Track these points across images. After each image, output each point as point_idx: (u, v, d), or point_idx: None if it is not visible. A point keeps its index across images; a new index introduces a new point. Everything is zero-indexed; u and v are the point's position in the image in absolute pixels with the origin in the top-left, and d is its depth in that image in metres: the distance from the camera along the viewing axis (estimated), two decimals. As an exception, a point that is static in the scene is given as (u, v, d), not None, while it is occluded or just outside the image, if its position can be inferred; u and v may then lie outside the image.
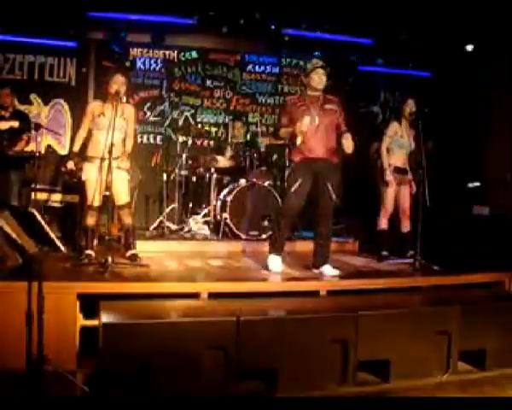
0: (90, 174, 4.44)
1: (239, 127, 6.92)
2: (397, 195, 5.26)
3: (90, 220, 4.52)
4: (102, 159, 4.34)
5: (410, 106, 5.18)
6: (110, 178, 4.13)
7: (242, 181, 6.12)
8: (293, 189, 4.24)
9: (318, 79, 4.27)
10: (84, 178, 4.49)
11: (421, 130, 4.99)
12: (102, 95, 4.56)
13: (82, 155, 4.57)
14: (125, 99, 4.63)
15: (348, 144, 4.17)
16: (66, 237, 5.49)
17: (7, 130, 5.32)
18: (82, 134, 4.56)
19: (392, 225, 5.34)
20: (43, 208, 5.54)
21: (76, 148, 4.59)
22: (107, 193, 4.50)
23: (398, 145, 5.21)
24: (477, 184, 6.43)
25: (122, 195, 4.54)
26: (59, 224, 5.63)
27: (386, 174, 5.16)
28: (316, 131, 4.25)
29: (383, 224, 5.27)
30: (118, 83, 4.45)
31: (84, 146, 4.56)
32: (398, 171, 5.23)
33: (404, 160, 5.27)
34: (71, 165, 4.57)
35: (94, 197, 4.40)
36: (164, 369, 2.96)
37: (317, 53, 6.94)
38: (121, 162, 4.48)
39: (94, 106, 4.54)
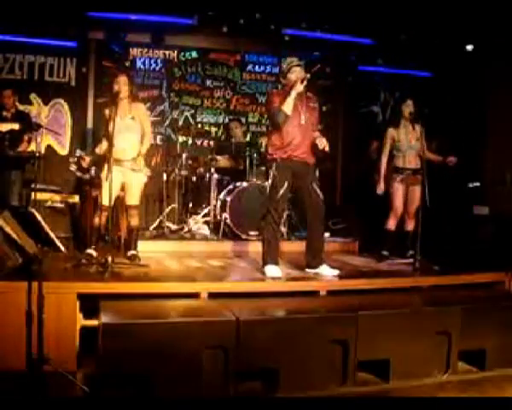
0: (110, 175, 4.46)
1: (235, 127, 6.89)
2: (407, 194, 5.24)
3: (99, 220, 4.55)
4: (117, 161, 4.36)
5: (410, 106, 5.17)
6: (111, 177, 4.15)
7: (242, 181, 6.12)
8: (279, 194, 4.18)
9: (295, 77, 4.20)
10: (103, 176, 4.52)
11: (421, 130, 5.00)
12: (111, 98, 4.58)
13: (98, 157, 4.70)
14: (126, 99, 4.60)
15: (322, 142, 4.18)
16: (67, 237, 5.49)
17: (8, 131, 5.31)
18: (104, 141, 4.61)
19: (396, 225, 5.33)
20: (43, 208, 5.53)
21: (98, 150, 4.69)
22: (122, 193, 4.56)
23: (398, 150, 5.20)
24: (477, 184, 6.42)
25: (134, 196, 4.60)
26: (59, 224, 5.62)
27: (380, 183, 5.21)
28: (300, 130, 4.23)
29: (391, 224, 5.25)
30: (118, 83, 4.47)
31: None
32: (407, 172, 5.20)
33: (411, 160, 5.18)
34: (86, 161, 4.76)
35: (109, 198, 4.40)
36: (164, 369, 2.96)
37: (316, 53, 6.96)
38: (135, 165, 4.51)
39: (108, 112, 4.55)
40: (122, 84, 4.47)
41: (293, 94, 4.13)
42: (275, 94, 4.37)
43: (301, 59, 4.46)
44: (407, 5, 5.95)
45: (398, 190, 5.19)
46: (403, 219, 5.31)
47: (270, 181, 4.29)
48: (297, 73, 4.21)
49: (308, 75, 4.17)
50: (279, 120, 4.17)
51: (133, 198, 4.60)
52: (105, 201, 4.38)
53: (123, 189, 4.63)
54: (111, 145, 4.21)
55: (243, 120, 7.42)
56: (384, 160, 5.26)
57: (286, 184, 4.20)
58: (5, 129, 5.24)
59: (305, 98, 4.31)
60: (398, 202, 5.21)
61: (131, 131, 4.50)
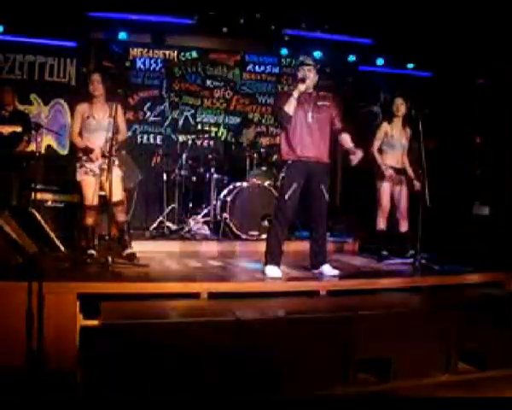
0: (85, 175, 4.48)
1: (252, 130, 6.95)
2: (392, 195, 5.27)
3: (89, 220, 4.54)
4: (97, 159, 4.42)
5: (397, 104, 5.20)
6: (110, 177, 4.17)
7: (242, 181, 6.12)
8: (287, 195, 4.17)
9: (301, 76, 4.20)
10: (78, 178, 4.52)
11: (420, 129, 5.00)
12: (88, 96, 4.59)
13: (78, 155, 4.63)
14: (103, 97, 4.59)
15: (355, 158, 4.20)
16: (67, 237, 5.49)
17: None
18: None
19: (391, 224, 5.34)
20: (43, 208, 5.53)
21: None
22: (103, 193, 4.54)
23: (389, 146, 5.23)
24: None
25: (116, 192, 4.55)
26: (59, 224, 5.62)
27: (384, 169, 5.17)
28: (309, 130, 4.21)
29: (381, 224, 5.27)
30: (92, 82, 4.50)
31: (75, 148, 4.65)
32: (395, 170, 5.22)
33: (398, 159, 5.25)
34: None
35: (91, 197, 4.40)
36: (164, 369, 2.96)
37: (316, 53, 6.96)
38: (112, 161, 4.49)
39: (81, 108, 4.55)
40: (96, 83, 4.48)
41: (295, 94, 4.13)
42: (282, 94, 4.44)
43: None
44: (407, 5, 5.95)
45: (386, 188, 5.21)
46: (396, 220, 5.32)
47: (279, 182, 4.31)
48: (304, 72, 4.20)
49: (307, 74, 4.16)
50: (281, 120, 4.19)
51: (116, 194, 4.53)
52: (89, 200, 4.40)
53: (102, 188, 4.60)
54: (111, 145, 4.22)
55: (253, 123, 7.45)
56: (376, 152, 5.24)
57: (295, 186, 4.18)
58: (7, 132, 5.21)
59: (315, 97, 4.29)
60: (386, 200, 5.24)
61: (108, 130, 4.47)
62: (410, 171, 5.30)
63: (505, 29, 5.93)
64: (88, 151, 4.40)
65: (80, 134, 4.55)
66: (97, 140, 4.47)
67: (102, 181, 4.49)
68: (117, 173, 4.56)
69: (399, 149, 5.25)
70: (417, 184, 5.10)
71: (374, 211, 5.42)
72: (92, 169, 4.48)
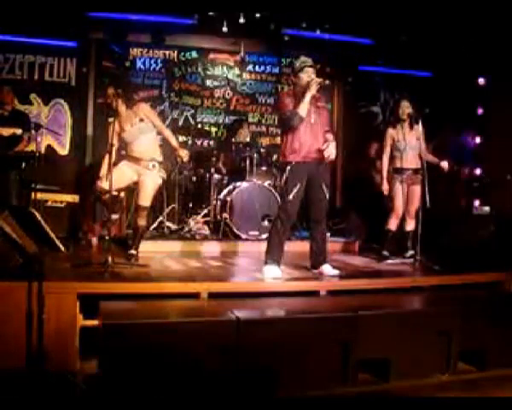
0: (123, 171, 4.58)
1: (247, 127, 6.95)
2: (407, 194, 5.24)
3: (142, 221, 4.64)
4: (135, 160, 4.55)
5: (403, 107, 5.18)
6: (111, 177, 4.19)
7: (242, 181, 6.12)
8: (291, 195, 4.16)
9: (308, 77, 4.19)
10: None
11: (421, 130, 5.00)
12: (111, 111, 4.64)
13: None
14: (124, 107, 4.61)
15: (330, 150, 4.17)
16: (67, 237, 5.49)
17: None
18: (105, 175, 4.55)
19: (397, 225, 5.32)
20: (43, 208, 5.53)
21: (100, 184, 4.59)
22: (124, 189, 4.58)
23: (399, 150, 5.18)
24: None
25: (146, 197, 4.59)
26: (59, 224, 5.62)
27: (383, 183, 5.21)
28: (312, 131, 4.21)
29: (392, 224, 5.22)
30: (109, 97, 4.54)
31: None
32: (407, 172, 5.20)
33: (411, 160, 5.17)
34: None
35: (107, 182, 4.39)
36: (163, 369, 2.96)
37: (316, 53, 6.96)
38: (152, 166, 4.59)
39: (114, 126, 4.57)
40: (112, 96, 4.52)
41: (308, 97, 4.10)
42: (286, 95, 4.38)
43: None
44: (407, 5, 5.95)
45: (399, 190, 5.19)
46: (403, 219, 5.31)
47: (282, 183, 4.29)
48: (309, 74, 4.20)
49: (321, 80, 4.15)
50: (294, 124, 4.15)
51: (144, 199, 4.59)
52: (105, 184, 4.41)
53: (128, 188, 4.63)
54: (111, 145, 4.24)
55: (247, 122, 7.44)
56: (385, 160, 5.25)
57: (298, 186, 4.17)
58: (7, 134, 5.20)
59: (315, 98, 4.28)
60: (399, 202, 5.21)
61: (145, 132, 4.57)
62: (433, 158, 5.21)
63: (505, 29, 5.94)
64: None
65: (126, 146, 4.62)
66: (139, 145, 4.55)
67: (138, 183, 4.58)
68: (155, 180, 4.62)
69: (411, 151, 5.15)
70: (445, 165, 5.13)
71: (374, 211, 5.42)
72: (133, 169, 4.57)
